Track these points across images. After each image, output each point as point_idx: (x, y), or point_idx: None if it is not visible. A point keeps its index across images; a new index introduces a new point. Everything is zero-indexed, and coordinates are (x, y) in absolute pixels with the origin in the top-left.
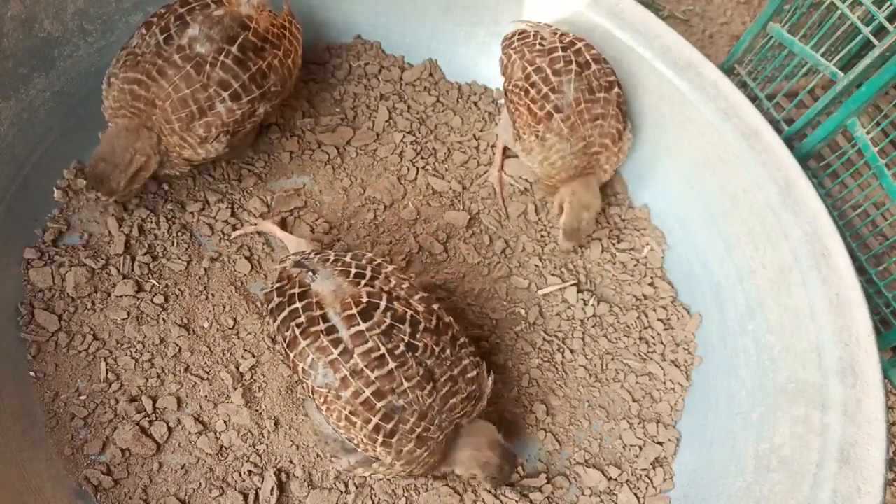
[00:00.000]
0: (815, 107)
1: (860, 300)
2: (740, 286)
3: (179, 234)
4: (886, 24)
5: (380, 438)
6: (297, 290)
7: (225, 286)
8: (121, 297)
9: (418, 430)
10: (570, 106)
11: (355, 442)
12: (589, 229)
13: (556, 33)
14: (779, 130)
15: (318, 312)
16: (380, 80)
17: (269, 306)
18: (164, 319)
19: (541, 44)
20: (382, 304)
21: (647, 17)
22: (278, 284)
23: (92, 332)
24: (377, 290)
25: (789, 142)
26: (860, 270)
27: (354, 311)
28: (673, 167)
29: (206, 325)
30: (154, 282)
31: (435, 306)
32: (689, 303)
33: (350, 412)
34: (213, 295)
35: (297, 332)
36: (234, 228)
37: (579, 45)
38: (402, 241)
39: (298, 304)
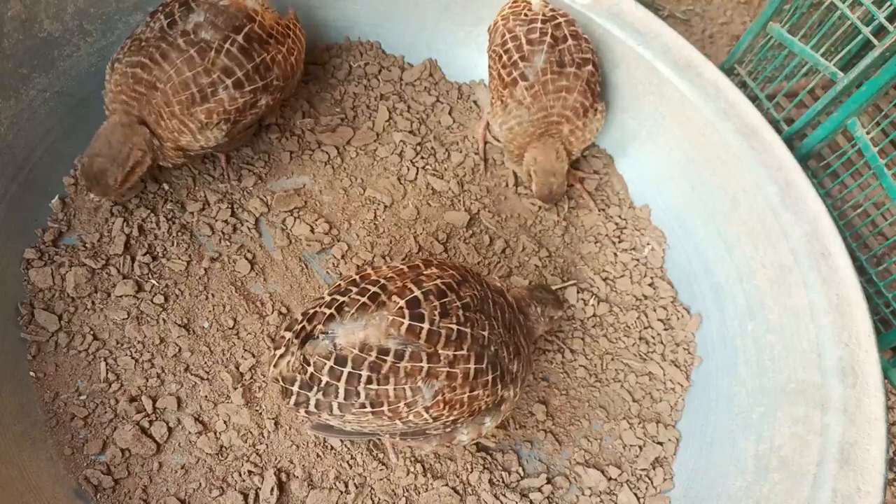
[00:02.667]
0: (815, 107)
1: (860, 300)
2: (740, 286)
3: (179, 234)
4: (886, 24)
5: (500, 386)
6: (329, 362)
7: (225, 286)
8: (121, 297)
9: (512, 353)
10: (536, 75)
11: (479, 409)
12: (561, 191)
13: (546, 5)
14: (779, 130)
15: (374, 355)
16: (380, 80)
17: (313, 401)
18: (164, 319)
19: (525, 14)
20: (418, 293)
21: (647, 17)
22: (298, 380)
23: (92, 332)
24: (397, 288)
25: (789, 142)
26: (860, 270)
27: (408, 321)
28: (673, 167)
29: (206, 325)
30: (154, 282)
31: (436, 261)
32: (689, 303)
33: (469, 391)
34: (213, 295)
35: (375, 385)
36: (234, 229)
37: (560, 19)
38: (402, 241)
39: (347, 368)
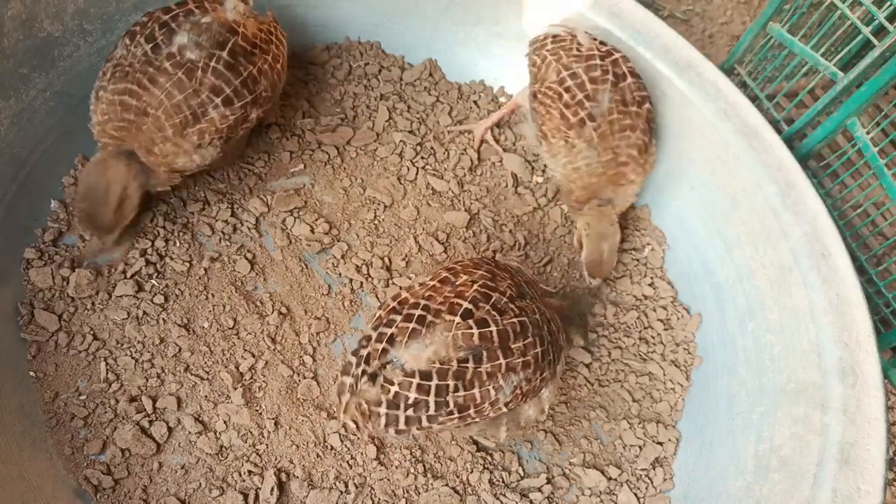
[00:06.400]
0: (815, 107)
1: (860, 300)
2: (740, 286)
3: (180, 234)
4: (886, 24)
5: (554, 360)
6: (416, 379)
7: (225, 286)
8: (121, 297)
9: (554, 327)
10: (602, 115)
11: (535, 386)
12: (612, 261)
13: (594, 39)
14: (779, 130)
15: (455, 364)
16: (380, 80)
17: (402, 419)
18: (164, 319)
19: (578, 49)
20: (467, 304)
21: (647, 17)
22: (384, 402)
23: (92, 332)
24: (442, 305)
25: (789, 142)
26: (860, 270)
27: (477, 329)
28: (673, 167)
29: (206, 325)
30: (154, 282)
31: (458, 266)
32: (689, 303)
33: (540, 373)
34: (213, 295)
35: (462, 392)
36: (235, 229)
37: (616, 55)
38: (402, 241)
39: (434, 381)
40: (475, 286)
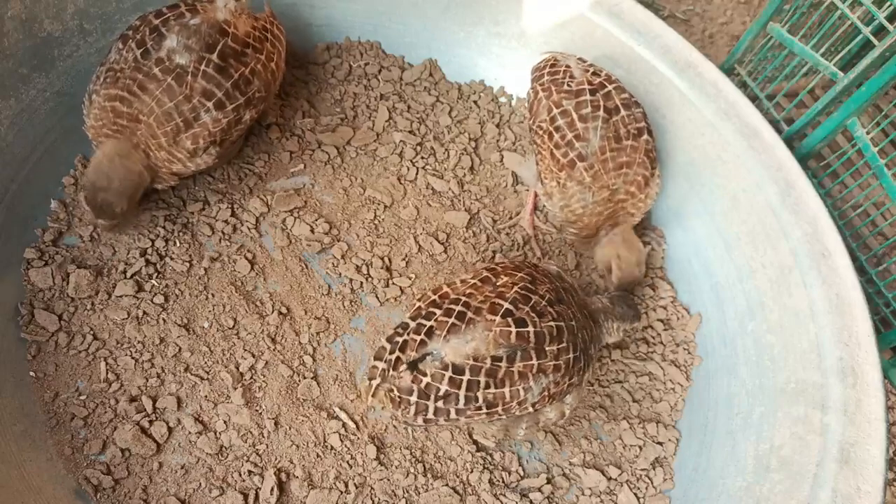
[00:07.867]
0: (815, 107)
1: (860, 300)
2: (740, 286)
3: (180, 234)
4: (886, 24)
5: (584, 367)
6: (448, 373)
7: (225, 286)
8: (121, 297)
9: (588, 335)
10: (594, 154)
11: (562, 390)
12: (641, 280)
13: (587, 70)
14: (779, 130)
15: (489, 362)
16: (380, 80)
17: (432, 409)
18: (164, 319)
19: (569, 84)
20: (507, 305)
21: (647, 17)
22: (415, 391)
23: (92, 332)
24: (483, 304)
25: (789, 142)
26: (860, 270)
27: (515, 328)
28: (673, 167)
29: (206, 325)
30: (154, 282)
31: (498, 267)
32: (689, 303)
33: (569, 378)
34: (213, 295)
35: (493, 389)
36: (235, 229)
37: (609, 87)
38: (402, 241)
39: (466, 376)
40: (515, 288)
